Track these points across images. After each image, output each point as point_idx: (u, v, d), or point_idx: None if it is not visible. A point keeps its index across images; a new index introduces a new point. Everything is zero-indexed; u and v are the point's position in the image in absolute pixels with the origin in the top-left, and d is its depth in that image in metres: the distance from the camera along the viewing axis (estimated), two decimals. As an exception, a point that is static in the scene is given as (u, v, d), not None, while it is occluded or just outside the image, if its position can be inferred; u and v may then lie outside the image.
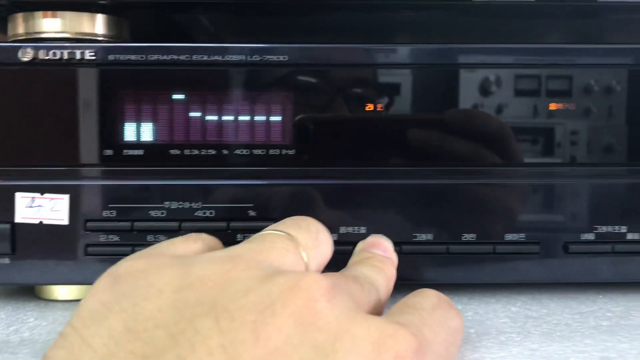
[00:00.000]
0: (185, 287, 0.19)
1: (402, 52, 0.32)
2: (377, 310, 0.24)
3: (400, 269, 0.32)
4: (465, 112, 0.33)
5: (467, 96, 0.32)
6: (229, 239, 0.31)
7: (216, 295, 0.19)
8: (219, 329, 0.17)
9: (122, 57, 0.32)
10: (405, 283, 0.32)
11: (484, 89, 0.32)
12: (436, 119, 0.33)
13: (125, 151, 0.32)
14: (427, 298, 0.24)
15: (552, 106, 0.33)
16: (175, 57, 0.32)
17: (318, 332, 0.18)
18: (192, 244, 0.25)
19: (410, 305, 0.23)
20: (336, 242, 0.32)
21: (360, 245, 0.31)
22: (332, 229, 0.32)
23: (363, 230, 0.33)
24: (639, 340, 0.28)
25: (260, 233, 0.24)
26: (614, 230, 0.33)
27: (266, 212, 0.32)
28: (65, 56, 0.32)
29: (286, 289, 0.19)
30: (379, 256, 0.29)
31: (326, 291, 0.19)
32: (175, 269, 0.20)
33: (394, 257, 0.30)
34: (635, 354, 0.26)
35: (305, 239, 0.24)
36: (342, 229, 0.33)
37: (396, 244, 0.32)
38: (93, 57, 0.32)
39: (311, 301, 0.19)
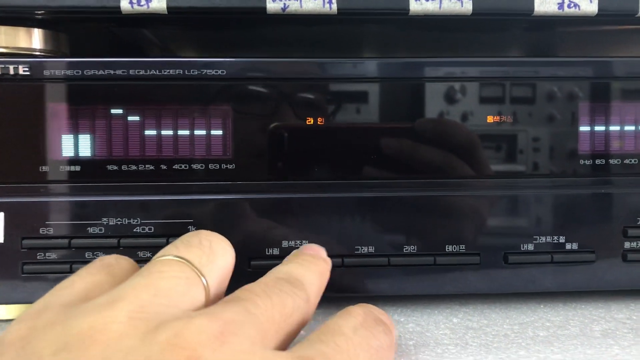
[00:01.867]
0: (63, 349, 0.18)
1: (333, 65, 0.32)
2: (303, 313, 0.24)
3: (342, 282, 0.32)
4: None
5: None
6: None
7: (93, 358, 0.18)
8: None
9: (57, 72, 0.31)
10: (348, 296, 0.33)
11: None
12: (373, 129, 0.33)
13: (62, 167, 0.32)
14: (350, 318, 0.24)
15: (490, 119, 0.33)
16: (112, 72, 0.32)
17: None
18: (91, 278, 0.23)
19: (329, 330, 0.22)
20: (278, 257, 0.32)
21: (295, 251, 0.30)
22: (274, 243, 0.33)
23: (305, 243, 0.33)
24: (572, 351, 0.28)
25: (151, 260, 0.23)
26: (553, 240, 0.33)
27: (206, 226, 0.32)
28: (-1, 71, 0.31)
29: (167, 347, 0.18)
30: (310, 255, 0.29)
31: (213, 339, 0.19)
32: (55, 327, 0.19)
33: (326, 258, 0.30)
34: (565, 364, 0.27)
35: (198, 257, 0.23)
36: (284, 243, 0.33)
37: (338, 257, 0.33)
38: (27, 72, 0.31)
39: (194, 358, 0.18)
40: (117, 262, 0.25)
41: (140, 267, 0.24)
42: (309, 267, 0.27)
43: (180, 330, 0.18)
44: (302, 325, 0.24)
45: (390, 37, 0.42)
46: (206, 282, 0.23)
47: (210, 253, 0.24)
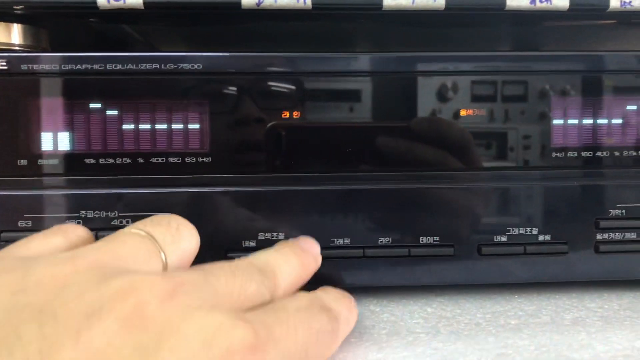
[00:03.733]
0: (19, 291, 0.19)
1: (307, 60, 0.33)
2: (265, 303, 0.24)
3: (318, 274, 0.33)
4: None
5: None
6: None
7: (48, 299, 0.19)
8: (42, 334, 0.17)
9: (35, 66, 0.32)
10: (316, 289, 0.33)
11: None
12: (347, 123, 0.33)
13: (40, 161, 0.32)
14: (296, 300, 0.24)
15: (463, 112, 0.33)
16: (89, 66, 0.32)
17: (144, 333, 0.18)
18: (48, 240, 0.24)
19: (274, 306, 0.23)
20: (255, 249, 0.33)
21: (291, 239, 0.31)
22: (250, 235, 0.33)
23: (281, 236, 0.33)
24: (540, 337, 0.29)
25: (117, 232, 0.24)
26: (526, 232, 0.34)
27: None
28: (-23, 66, 0.31)
29: (118, 292, 0.19)
30: (302, 247, 0.30)
31: (162, 292, 0.19)
32: (14, 272, 0.20)
33: (317, 255, 0.30)
34: (532, 350, 0.27)
35: (163, 235, 0.24)
36: (261, 235, 0.33)
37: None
38: (5, 67, 0.32)
39: (141, 304, 0.19)
40: (74, 229, 0.26)
41: None
42: (290, 260, 0.27)
43: (134, 281, 0.20)
44: None
45: (371, 32, 0.43)
46: (165, 259, 0.24)
47: (176, 234, 0.25)
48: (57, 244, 0.24)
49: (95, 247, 0.22)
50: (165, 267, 0.24)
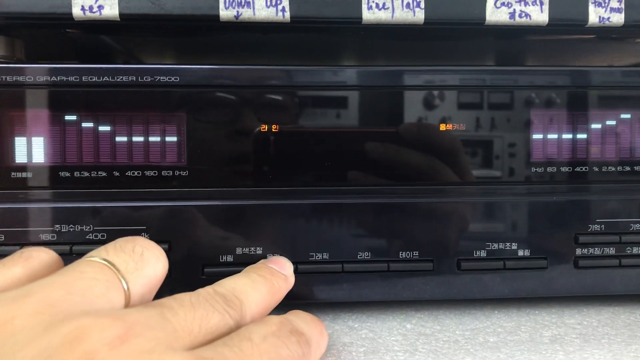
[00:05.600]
0: None
1: (286, 73, 0.33)
2: (232, 325, 0.23)
3: (297, 289, 0.32)
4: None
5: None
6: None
7: None
8: None
9: (8, 78, 0.31)
10: (303, 302, 0.33)
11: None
12: (322, 134, 0.33)
13: (13, 174, 0.32)
14: (263, 326, 0.23)
15: (442, 127, 0.33)
16: (64, 78, 0.32)
17: None
18: (7, 271, 0.23)
19: (239, 335, 0.22)
20: (232, 264, 0.33)
21: (261, 261, 0.31)
22: (228, 250, 0.33)
23: (259, 251, 0.33)
24: (518, 357, 0.29)
25: (79, 259, 0.23)
26: (505, 247, 0.34)
27: (160, 233, 0.32)
28: (-51, 77, 0.31)
29: (67, 341, 0.18)
30: (271, 269, 0.29)
31: (113, 338, 0.18)
32: None
33: (288, 275, 0.30)
34: (509, 370, 0.27)
35: (125, 263, 0.23)
36: (239, 250, 0.33)
37: (293, 264, 0.33)
38: (-21, 79, 0.31)
39: (90, 353, 0.18)
40: (38, 255, 0.25)
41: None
42: (258, 286, 0.26)
43: (83, 326, 0.18)
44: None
45: (354, 44, 0.42)
46: (127, 287, 0.23)
47: (140, 260, 0.24)
48: (18, 275, 0.23)
49: (49, 282, 0.21)
50: (127, 296, 0.22)
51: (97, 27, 0.34)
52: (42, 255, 0.25)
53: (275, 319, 0.24)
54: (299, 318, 0.26)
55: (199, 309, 0.22)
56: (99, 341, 0.18)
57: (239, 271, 0.32)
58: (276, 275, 0.29)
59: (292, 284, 0.30)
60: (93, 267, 0.22)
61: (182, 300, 0.22)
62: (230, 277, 0.27)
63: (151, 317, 0.20)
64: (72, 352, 0.18)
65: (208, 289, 0.25)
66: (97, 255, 0.23)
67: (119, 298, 0.22)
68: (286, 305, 0.29)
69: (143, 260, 0.24)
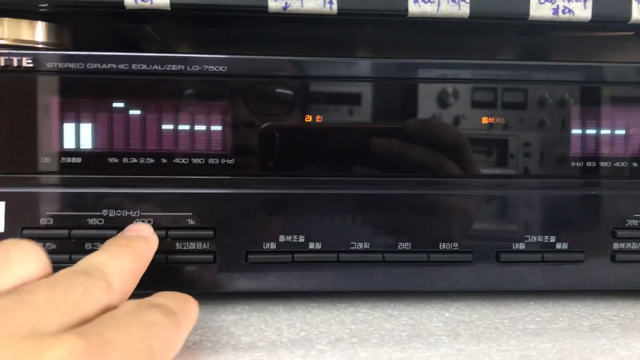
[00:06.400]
0: None
1: (332, 64, 0.33)
2: (104, 301, 0.23)
3: (334, 279, 0.33)
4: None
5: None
6: (167, 247, 0.32)
7: None
8: None
9: (60, 64, 0.32)
10: (340, 290, 0.33)
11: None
12: (360, 129, 0.34)
13: (63, 159, 0.32)
14: (123, 307, 0.24)
15: (484, 120, 0.34)
16: (114, 66, 0.32)
17: None
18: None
19: (104, 317, 0.22)
20: (275, 252, 0.33)
21: (117, 235, 0.30)
22: (271, 237, 0.33)
23: (302, 239, 0.33)
24: (561, 341, 0.29)
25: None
26: (544, 240, 0.34)
27: (204, 220, 0.33)
28: (2, 63, 0.31)
29: None
30: (127, 236, 0.29)
31: None
32: None
33: (148, 236, 0.30)
34: (555, 352, 0.27)
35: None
36: (281, 238, 0.33)
37: (334, 252, 0.33)
38: (31, 65, 0.32)
39: None
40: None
41: None
42: (117, 254, 0.26)
43: None
44: (104, 312, 0.23)
45: (390, 38, 0.43)
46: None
47: (5, 261, 0.23)
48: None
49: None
50: None
51: (142, 16, 0.35)
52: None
53: (132, 301, 0.24)
54: (158, 297, 0.26)
55: (58, 286, 0.22)
56: None
57: (282, 258, 0.33)
58: (134, 239, 0.29)
59: (155, 243, 0.30)
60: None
61: (39, 283, 0.22)
62: (88, 255, 0.27)
63: (8, 304, 0.20)
64: None
65: (66, 269, 0.24)
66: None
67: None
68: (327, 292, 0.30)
69: (9, 261, 0.23)
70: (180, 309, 0.25)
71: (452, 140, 0.34)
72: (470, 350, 0.28)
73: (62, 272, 0.24)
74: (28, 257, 0.23)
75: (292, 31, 0.40)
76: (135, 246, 0.28)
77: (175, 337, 0.24)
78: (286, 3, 0.32)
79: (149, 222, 0.33)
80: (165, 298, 0.26)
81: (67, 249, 0.32)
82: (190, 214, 0.33)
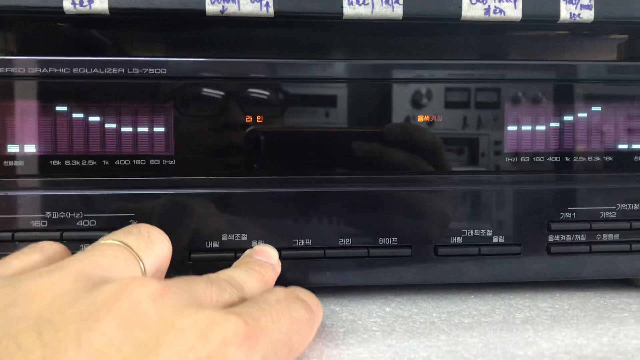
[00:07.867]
0: (10, 305, 0.19)
1: (268, 65, 0.34)
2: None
3: (280, 274, 0.33)
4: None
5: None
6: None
7: (41, 310, 0.19)
8: (42, 341, 0.18)
9: (1, 69, 0.32)
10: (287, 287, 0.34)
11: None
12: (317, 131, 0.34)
13: (5, 162, 0.33)
14: (273, 294, 0.26)
15: (420, 118, 0.35)
16: (55, 70, 0.33)
17: (141, 331, 0.19)
18: (27, 257, 0.25)
19: (256, 300, 0.25)
20: (218, 250, 0.34)
21: (247, 251, 0.33)
22: (213, 236, 0.34)
23: (244, 237, 0.34)
24: (489, 335, 0.30)
25: (94, 244, 0.25)
26: (481, 233, 0.35)
27: (147, 220, 0.33)
28: (-58, 69, 0.32)
29: (111, 295, 0.20)
30: (259, 261, 0.31)
31: (153, 292, 0.21)
32: (2, 289, 0.20)
33: (275, 264, 0.32)
34: (480, 347, 0.28)
35: (137, 243, 0.26)
36: (224, 237, 0.34)
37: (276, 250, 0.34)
38: (-27, 70, 0.32)
39: (135, 303, 0.20)
40: (51, 246, 0.27)
41: None
42: (252, 275, 0.29)
43: (125, 283, 0.21)
44: None
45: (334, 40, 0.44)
46: (143, 266, 0.25)
47: (149, 241, 0.26)
48: (37, 260, 0.25)
49: (77, 259, 0.23)
50: (143, 273, 0.25)
51: (87, 20, 0.35)
52: (55, 246, 0.27)
53: (282, 289, 0.27)
54: (300, 290, 0.28)
55: (214, 285, 0.25)
56: (142, 292, 0.20)
57: (225, 257, 0.33)
58: (264, 266, 0.31)
59: (279, 272, 0.32)
60: (111, 247, 0.24)
61: (199, 278, 0.25)
62: (225, 269, 0.29)
63: (180, 283, 0.23)
64: (119, 303, 0.20)
65: (213, 274, 0.27)
66: (110, 238, 0.26)
67: (138, 273, 0.24)
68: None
69: (151, 240, 0.26)
70: (316, 309, 0.27)
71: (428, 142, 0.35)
72: (400, 346, 0.28)
73: (212, 275, 0.26)
74: (163, 242, 0.27)
75: (241, 33, 0.41)
76: (266, 273, 0.30)
77: (310, 334, 0.26)
78: (223, 7, 0.33)
79: (92, 223, 0.33)
80: (305, 294, 0.28)
81: (11, 252, 0.33)
82: (133, 214, 0.33)
